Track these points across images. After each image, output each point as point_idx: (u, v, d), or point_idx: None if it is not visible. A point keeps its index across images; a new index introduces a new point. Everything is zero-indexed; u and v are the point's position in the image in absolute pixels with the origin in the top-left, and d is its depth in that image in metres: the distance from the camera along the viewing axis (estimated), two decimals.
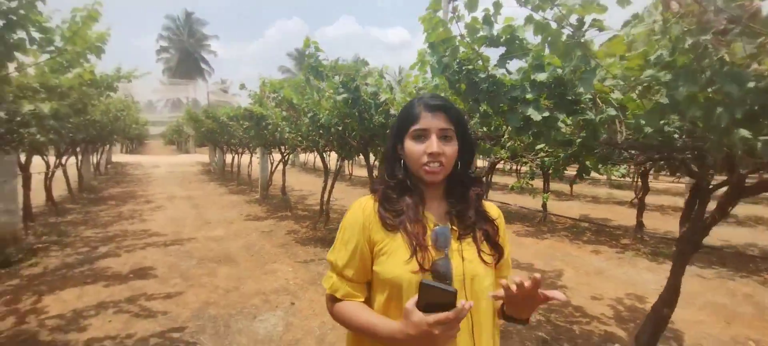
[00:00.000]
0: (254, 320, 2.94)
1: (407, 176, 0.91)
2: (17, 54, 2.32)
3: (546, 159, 2.90)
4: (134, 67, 4.82)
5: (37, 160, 5.69)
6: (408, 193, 0.90)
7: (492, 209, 0.97)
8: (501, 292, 0.79)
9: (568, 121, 2.06)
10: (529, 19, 1.73)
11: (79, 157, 9.00)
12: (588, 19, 1.61)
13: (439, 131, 0.86)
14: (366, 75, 3.08)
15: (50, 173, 6.62)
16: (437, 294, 0.73)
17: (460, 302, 0.72)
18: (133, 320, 2.87)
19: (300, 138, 5.27)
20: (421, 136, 0.86)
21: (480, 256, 0.87)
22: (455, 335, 0.75)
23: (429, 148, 0.85)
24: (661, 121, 1.61)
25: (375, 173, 4.68)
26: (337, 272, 0.91)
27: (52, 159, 6.78)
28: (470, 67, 2.19)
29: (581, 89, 1.71)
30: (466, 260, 0.86)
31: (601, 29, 1.63)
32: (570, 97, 1.95)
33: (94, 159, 11.76)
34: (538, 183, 6.57)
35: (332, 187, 5.77)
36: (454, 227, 0.89)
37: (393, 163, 0.93)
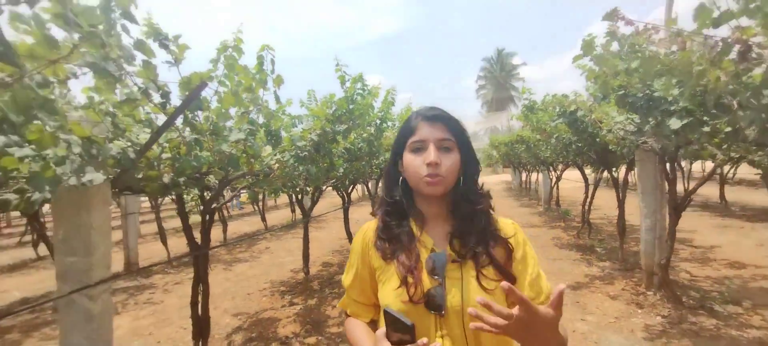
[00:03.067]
0: None
1: (406, 195, 0.89)
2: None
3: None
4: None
5: None
6: (405, 218, 0.88)
7: (506, 226, 0.91)
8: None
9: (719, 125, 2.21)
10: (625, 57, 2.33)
11: None
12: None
13: (437, 141, 0.82)
14: (571, 103, 3.82)
15: None
16: (399, 325, 0.68)
17: (422, 339, 0.68)
18: None
19: (554, 155, 6.12)
20: (420, 148, 0.83)
21: (479, 283, 0.79)
22: None
23: (427, 159, 0.81)
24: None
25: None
26: (346, 291, 0.96)
27: None
28: (622, 91, 2.76)
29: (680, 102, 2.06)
30: (465, 288, 0.79)
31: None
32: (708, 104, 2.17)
33: None
34: None
35: (592, 198, 6.10)
36: (451, 252, 0.83)
37: (391, 183, 0.91)
